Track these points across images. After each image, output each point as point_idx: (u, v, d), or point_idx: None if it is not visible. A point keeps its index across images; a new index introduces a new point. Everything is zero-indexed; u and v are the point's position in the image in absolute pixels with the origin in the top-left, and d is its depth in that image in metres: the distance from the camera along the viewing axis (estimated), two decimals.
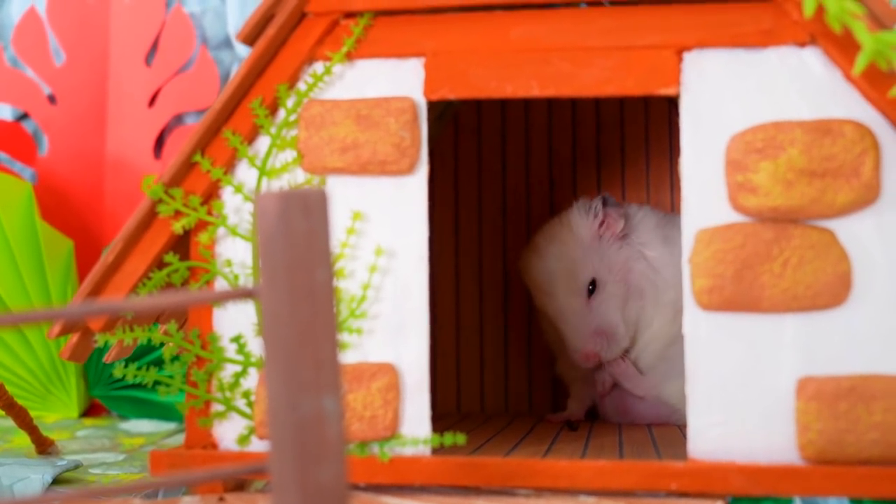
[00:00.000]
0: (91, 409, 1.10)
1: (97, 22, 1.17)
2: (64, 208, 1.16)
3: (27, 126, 1.19)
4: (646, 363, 0.85)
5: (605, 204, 0.84)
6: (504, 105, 0.97)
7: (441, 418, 0.67)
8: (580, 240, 0.84)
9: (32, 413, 0.96)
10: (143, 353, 1.02)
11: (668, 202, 0.96)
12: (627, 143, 0.97)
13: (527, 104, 0.97)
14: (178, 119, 1.17)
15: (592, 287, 0.83)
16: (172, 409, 1.05)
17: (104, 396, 1.07)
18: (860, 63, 0.59)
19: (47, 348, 1.06)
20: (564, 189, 0.98)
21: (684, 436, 0.77)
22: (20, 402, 0.85)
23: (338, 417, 0.43)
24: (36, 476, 0.72)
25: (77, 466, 0.77)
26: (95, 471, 0.80)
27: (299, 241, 0.43)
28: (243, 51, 1.17)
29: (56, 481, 0.74)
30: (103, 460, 0.84)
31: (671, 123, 0.96)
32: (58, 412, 1.07)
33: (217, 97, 0.69)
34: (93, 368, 1.07)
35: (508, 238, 0.97)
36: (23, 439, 0.92)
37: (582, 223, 0.84)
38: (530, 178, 0.98)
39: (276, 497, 0.42)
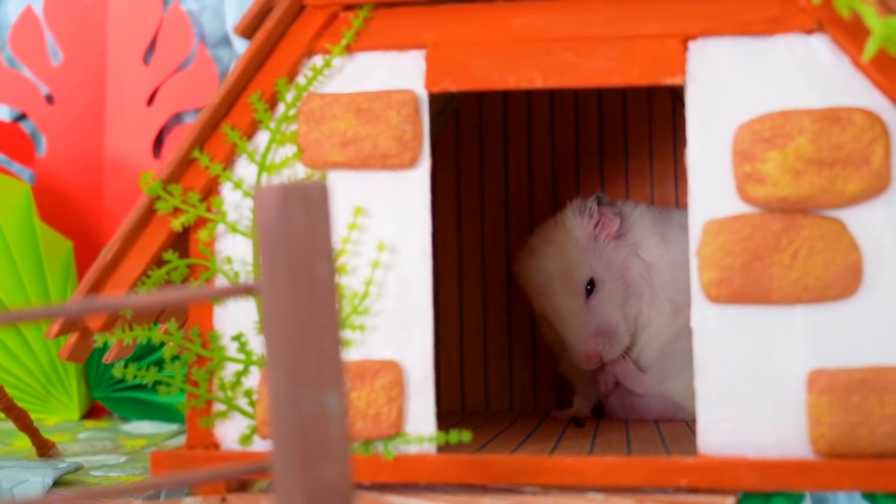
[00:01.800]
0: (92, 411, 1.09)
1: (95, 21, 1.16)
2: (63, 209, 1.15)
3: (25, 126, 1.19)
4: (646, 361, 0.84)
5: (599, 203, 0.83)
6: (506, 100, 0.97)
7: (445, 416, 0.66)
8: (576, 240, 0.83)
9: (33, 415, 0.95)
10: (144, 354, 1.01)
11: (672, 196, 0.95)
12: (630, 137, 0.96)
13: (529, 99, 0.96)
14: (176, 118, 1.16)
15: (591, 287, 0.82)
16: (174, 411, 1.04)
17: (105, 398, 1.07)
18: (869, 49, 0.58)
19: (47, 350, 1.05)
20: (567, 184, 0.97)
21: (692, 431, 0.76)
22: (20, 404, 0.84)
23: (341, 414, 0.42)
24: (37, 479, 0.72)
25: (78, 469, 0.76)
26: (97, 473, 0.79)
27: (300, 234, 0.42)
28: (242, 48, 1.16)
29: (57, 484, 0.73)
30: (105, 462, 0.84)
31: (675, 117, 0.95)
32: (58, 414, 1.06)
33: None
34: (93, 370, 1.06)
35: (511, 234, 0.96)
36: (23, 442, 0.91)
37: (577, 223, 0.83)
38: (533, 173, 0.97)
39: (280, 497, 0.42)
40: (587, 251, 0.83)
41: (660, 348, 0.84)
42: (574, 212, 0.84)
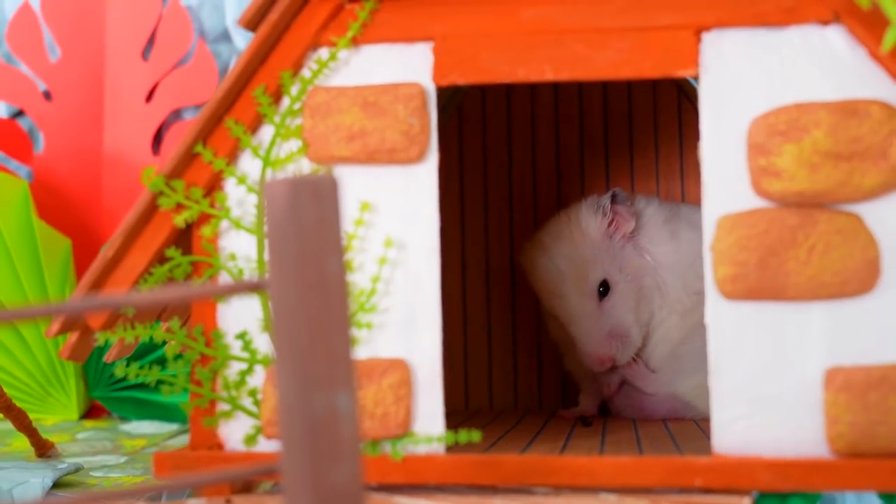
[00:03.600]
0: (91, 411, 1.08)
1: (93, 16, 1.15)
2: (61, 206, 1.14)
3: (22, 123, 1.18)
4: (657, 362, 0.83)
5: (615, 201, 0.82)
6: (509, 95, 0.95)
7: (449, 416, 0.65)
8: (589, 239, 0.82)
9: (31, 415, 0.94)
10: (145, 352, 1.00)
11: (678, 192, 0.94)
12: (636, 131, 0.95)
13: (533, 94, 0.95)
14: (176, 114, 1.15)
15: (604, 289, 0.81)
16: (174, 410, 1.03)
17: (104, 398, 1.06)
18: (889, 40, 0.56)
19: (46, 349, 1.04)
20: (572, 180, 0.95)
21: (702, 430, 0.75)
22: (19, 404, 0.83)
23: (352, 414, 0.41)
24: (36, 480, 0.71)
25: (78, 469, 0.75)
26: (97, 474, 0.78)
27: (310, 229, 0.41)
28: (242, 44, 1.15)
29: (56, 485, 0.73)
30: (105, 463, 0.83)
31: (680, 111, 0.94)
32: (57, 414, 1.05)
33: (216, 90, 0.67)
34: (92, 369, 1.05)
35: (515, 231, 0.95)
36: (22, 442, 0.90)
37: (591, 221, 0.82)
38: (537, 169, 0.96)
39: (289, 499, 0.40)
40: (600, 251, 0.81)
41: (670, 348, 0.83)
42: (589, 209, 0.82)
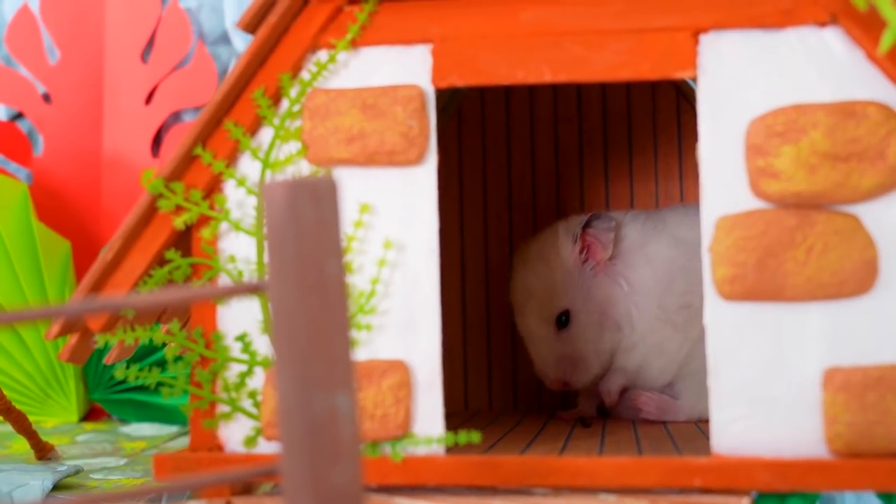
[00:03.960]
0: (91, 413, 1.08)
1: (92, 18, 1.15)
2: (60, 209, 1.15)
3: (22, 126, 1.18)
4: (657, 374, 0.82)
5: (589, 225, 0.81)
6: (508, 97, 0.95)
7: (448, 417, 0.65)
8: (561, 264, 0.82)
9: (31, 418, 0.94)
10: (145, 354, 1.00)
11: (676, 192, 0.94)
12: (635, 133, 0.95)
13: (532, 96, 0.95)
14: (175, 116, 1.15)
15: (565, 318, 0.82)
16: (174, 412, 1.03)
17: (104, 400, 1.06)
18: (886, 41, 0.56)
19: (45, 352, 1.05)
20: (571, 182, 0.96)
21: (701, 431, 0.75)
22: (18, 406, 0.83)
23: (352, 416, 0.41)
24: (36, 482, 0.71)
25: (78, 472, 0.75)
26: (97, 476, 0.78)
27: (309, 231, 0.41)
28: (241, 46, 1.15)
29: (56, 487, 0.73)
30: (105, 465, 0.83)
31: (679, 112, 0.94)
32: (57, 417, 1.05)
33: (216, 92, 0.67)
34: (92, 371, 1.05)
35: (514, 233, 0.95)
36: (22, 445, 0.91)
37: (566, 246, 0.82)
38: (536, 171, 0.96)
39: (288, 500, 0.41)
40: (570, 278, 0.82)
41: (674, 367, 0.82)
42: (566, 233, 0.82)
